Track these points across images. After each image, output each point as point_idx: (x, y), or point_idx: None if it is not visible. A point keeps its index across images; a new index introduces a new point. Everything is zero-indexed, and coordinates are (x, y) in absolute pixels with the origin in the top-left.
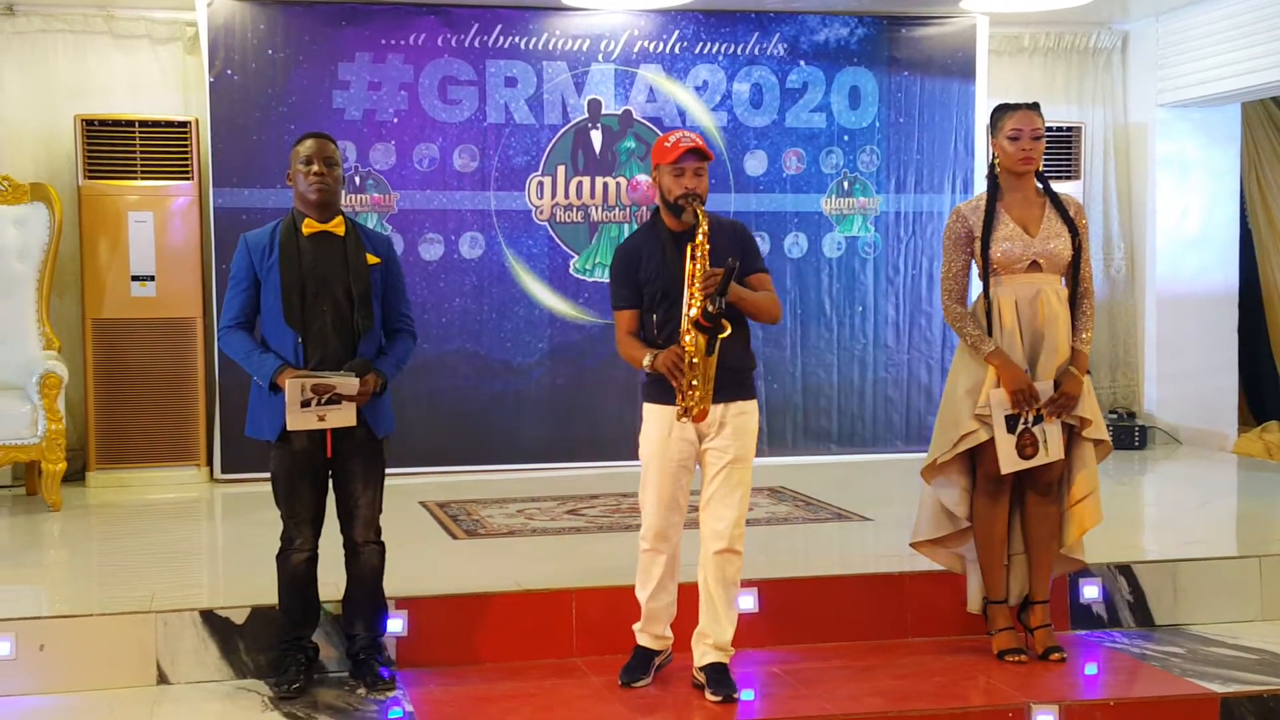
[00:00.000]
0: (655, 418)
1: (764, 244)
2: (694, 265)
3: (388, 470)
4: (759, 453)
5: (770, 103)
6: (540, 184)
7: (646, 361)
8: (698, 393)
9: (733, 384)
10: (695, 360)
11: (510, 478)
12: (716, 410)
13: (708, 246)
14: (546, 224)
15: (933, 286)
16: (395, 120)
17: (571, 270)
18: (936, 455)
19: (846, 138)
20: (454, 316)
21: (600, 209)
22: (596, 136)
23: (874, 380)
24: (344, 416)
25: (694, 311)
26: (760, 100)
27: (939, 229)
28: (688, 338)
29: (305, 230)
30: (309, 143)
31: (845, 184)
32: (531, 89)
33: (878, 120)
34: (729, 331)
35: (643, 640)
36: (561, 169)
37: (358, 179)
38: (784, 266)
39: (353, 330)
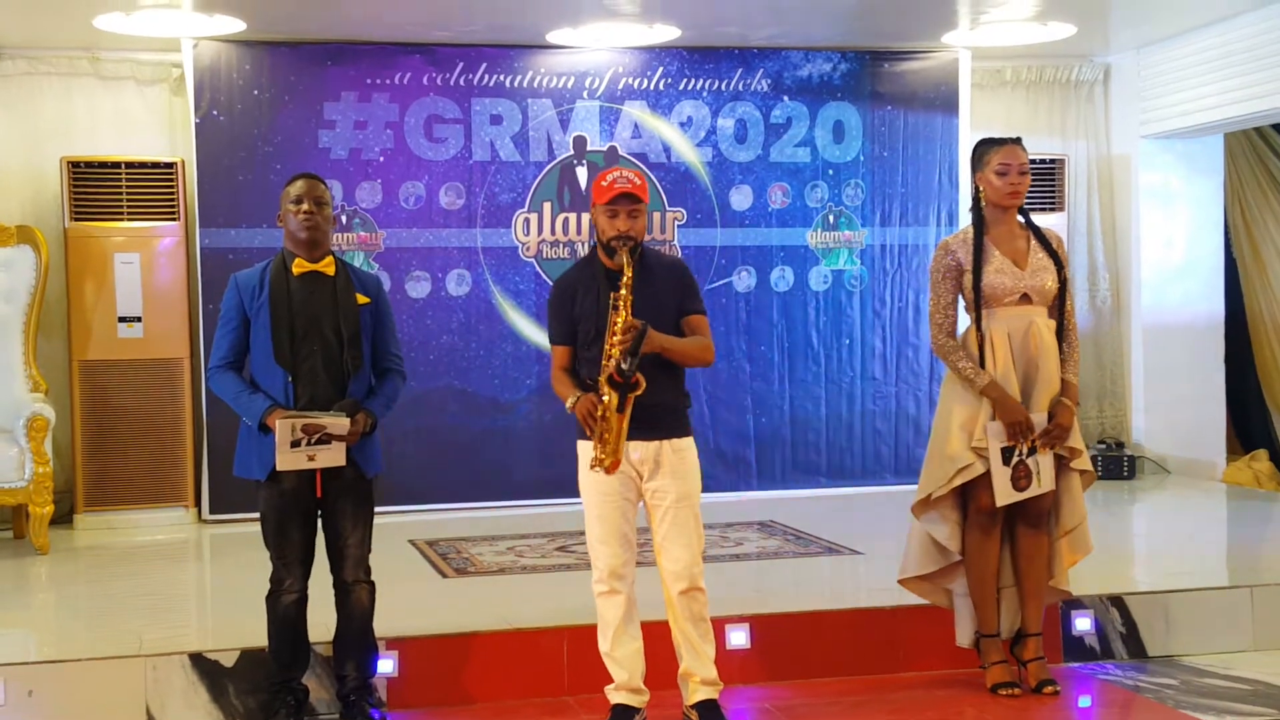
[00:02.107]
0: (587, 454)
1: (750, 278)
2: (614, 315)
3: (377, 509)
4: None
5: (755, 137)
6: (526, 220)
7: (569, 404)
8: (609, 446)
9: (665, 422)
10: (609, 414)
11: (500, 515)
12: (650, 449)
13: (630, 298)
14: (533, 260)
15: (919, 319)
16: (381, 159)
17: None
18: (930, 490)
19: (831, 172)
20: (441, 354)
21: (587, 245)
22: (582, 173)
23: (862, 413)
24: (333, 456)
25: (610, 364)
26: (745, 135)
27: (925, 261)
28: (605, 390)
29: (295, 270)
30: (299, 183)
31: (830, 218)
32: (517, 126)
33: (862, 154)
34: (641, 389)
35: (617, 699)
36: (548, 205)
37: (344, 217)
38: (770, 300)
39: (342, 370)
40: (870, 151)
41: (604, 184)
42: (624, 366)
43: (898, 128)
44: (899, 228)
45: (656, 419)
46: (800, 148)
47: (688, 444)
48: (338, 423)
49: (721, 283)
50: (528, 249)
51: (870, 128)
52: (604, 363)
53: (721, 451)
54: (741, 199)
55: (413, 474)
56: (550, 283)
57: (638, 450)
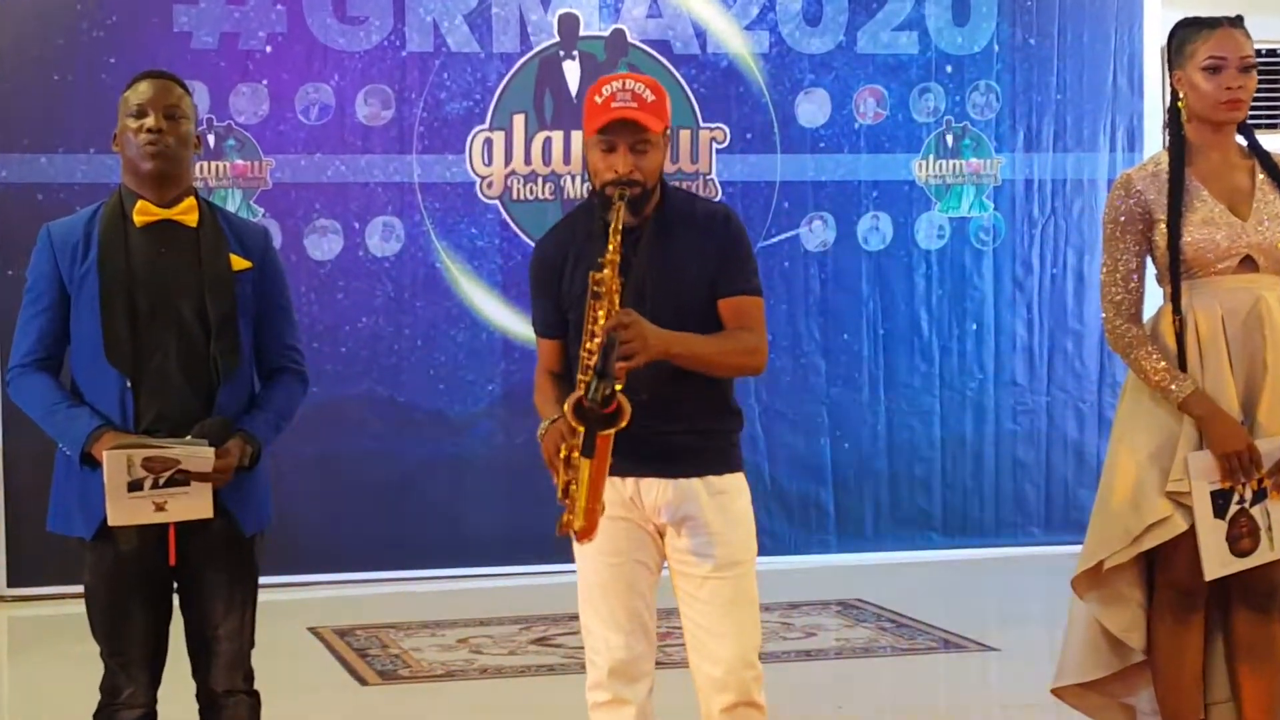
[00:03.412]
0: None
1: (826, 230)
2: (593, 306)
3: (262, 581)
4: (779, 547)
5: (834, 17)
6: (488, 143)
7: (540, 430)
8: (576, 502)
9: (698, 451)
10: (575, 455)
11: (446, 589)
12: (675, 491)
13: (618, 280)
14: (498, 202)
15: (1085, 293)
16: (268, 49)
17: None
18: (1102, 556)
19: (950, 69)
20: (360, 345)
21: (579, 180)
22: (572, 70)
23: (997, 436)
24: (194, 505)
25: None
26: (819, 13)
27: (1093, 206)
28: (572, 423)
29: (138, 218)
30: (144, 87)
31: (949, 139)
32: (473, 0)
33: (996, 42)
34: (624, 422)
35: None
36: (520, 120)
37: (213, 138)
38: (857, 264)
39: (208, 371)
40: (1009, 38)
41: (597, 100)
42: (587, 395)
43: (1051, 1)
44: (1052, 154)
45: (683, 448)
46: (903, 33)
47: (735, 483)
48: (198, 454)
49: (782, 237)
50: (489, 186)
51: (1010, 2)
52: (579, 379)
53: (783, 493)
54: (813, 111)
55: (316, 528)
56: (527, 240)
57: (655, 492)
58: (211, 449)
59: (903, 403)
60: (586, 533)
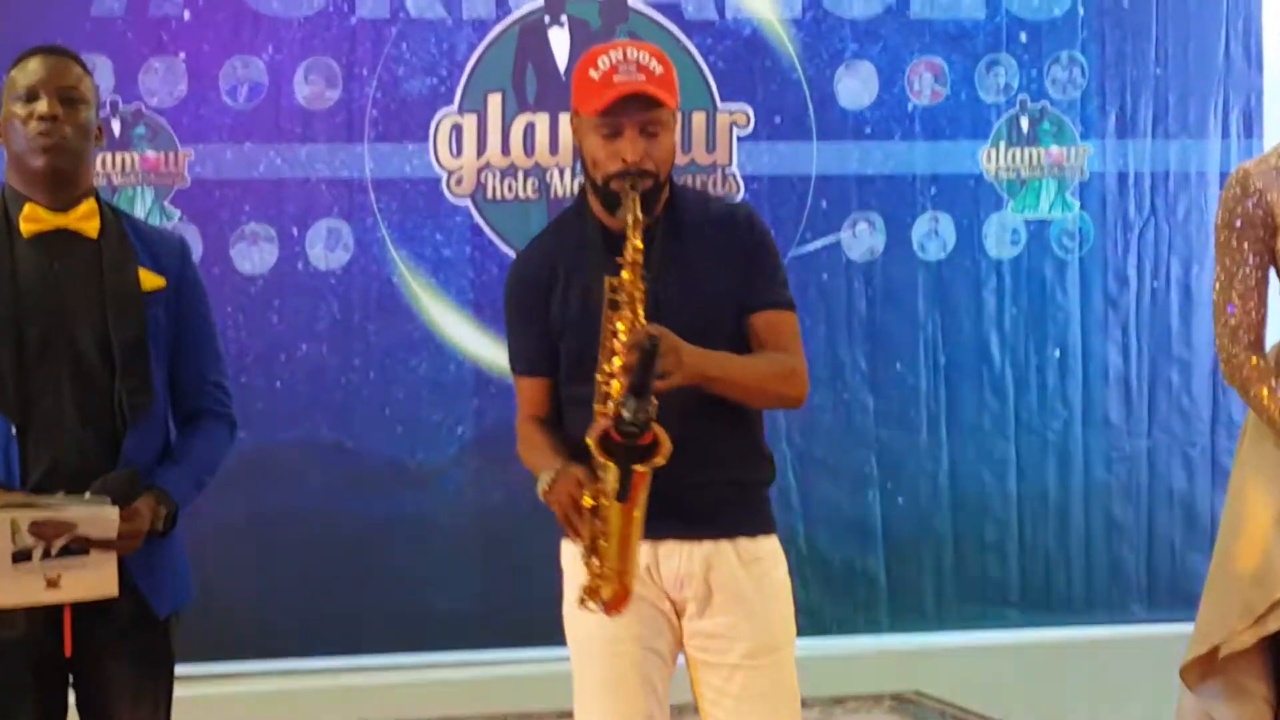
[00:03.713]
0: (578, 572)
1: (874, 235)
2: (611, 318)
3: (179, 674)
4: (821, 627)
5: None
6: (456, 129)
7: (541, 486)
8: (607, 563)
9: (729, 507)
10: (604, 503)
11: (406, 680)
12: (696, 556)
13: (642, 286)
14: (469, 202)
15: (1194, 312)
16: (186, 16)
17: None
18: (1217, 639)
19: (1024, 37)
20: (299, 378)
21: (569, 174)
22: (560, 40)
23: (1086, 489)
24: (94, 579)
25: (606, 411)
26: None
27: (1202, 205)
28: (599, 460)
29: (26, 227)
30: (33, 65)
31: (1024, 123)
32: None
33: (1081, 4)
34: (662, 458)
35: None
36: (495, 101)
37: (117, 125)
38: (913, 276)
39: (112, 413)
40: (1096, 0)
41: (594, 75)
42: (626, 415)
43: None
44: (1151, 141)
45: (712, 503)
46: None
47: (770, 548)
48: (101, 516)
49: (820, 244)
50: (459, 182)
51: None
52: (597, 409)
53: (823, 561)
54: (857, 88)
55: (246, 606)
56: (505, 249)
57: (677, 559)
58: (116, 509)
59: (969, 448)
60: (619, 602)
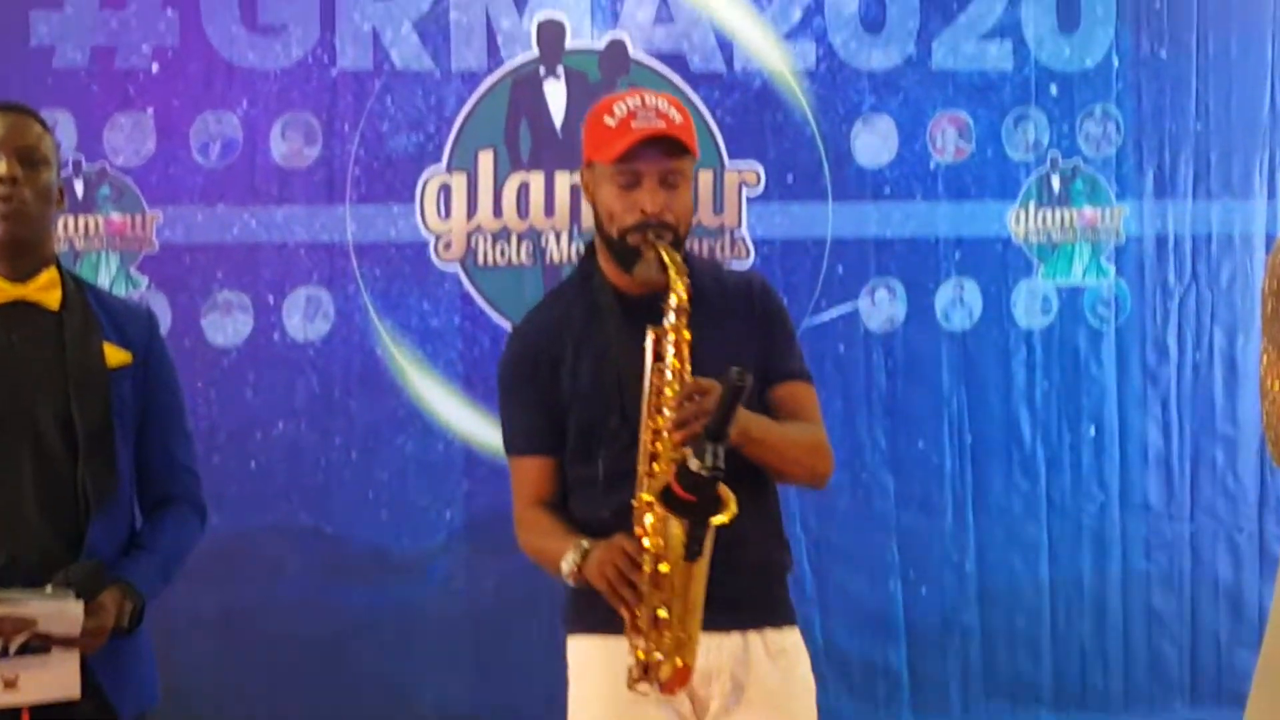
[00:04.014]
0: (598, 668)
1: (894, 304)
2: (660, 374)
3: None
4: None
5: (902, 21)
6: (445, 190)
7: (568, 565)
8: (667, 635)
9: (756, 595)
10: (664, 568)
11: None
12: (723, 651)
13: (688, 335)
14: (458, 268)
15: (1239, 386)
16: (155, 67)
17: None
18: None
19: (1055, 89)
20: (273, 459)
21: (566, 238)
22: (556, 93)
23: (1124, 577)
24: (55, 680)
25: (665, 469)
26: (881, 18)
27: (1248, 270)
28: (649, 520)
29: None
30: None
31: (1055, 182)
32: (427, 1)
33: (1116, 54)
34: (730, 513)
35: None
36: (487, 159)
37: (80, 186)
38: (936, 347)
39: (75, 500)
40: (1132, 48)
41: (609, 121)
42: (706, 461)
43: (1185, 0)
44: (1191, 201)
45: (743, 590)
46: (993, 41)
47: (794, 641)
48: (63, 611)
49: (837, 313)
50: (447, 246)
51: (1131, 0)
52: (643, 470)
53: (841, 655)
54: (875, 144)
55: (218, 707)
56: (496, 318)
57: (706, 651)
58: (80, 604)
59: (998, 533)
60: (680, 680)
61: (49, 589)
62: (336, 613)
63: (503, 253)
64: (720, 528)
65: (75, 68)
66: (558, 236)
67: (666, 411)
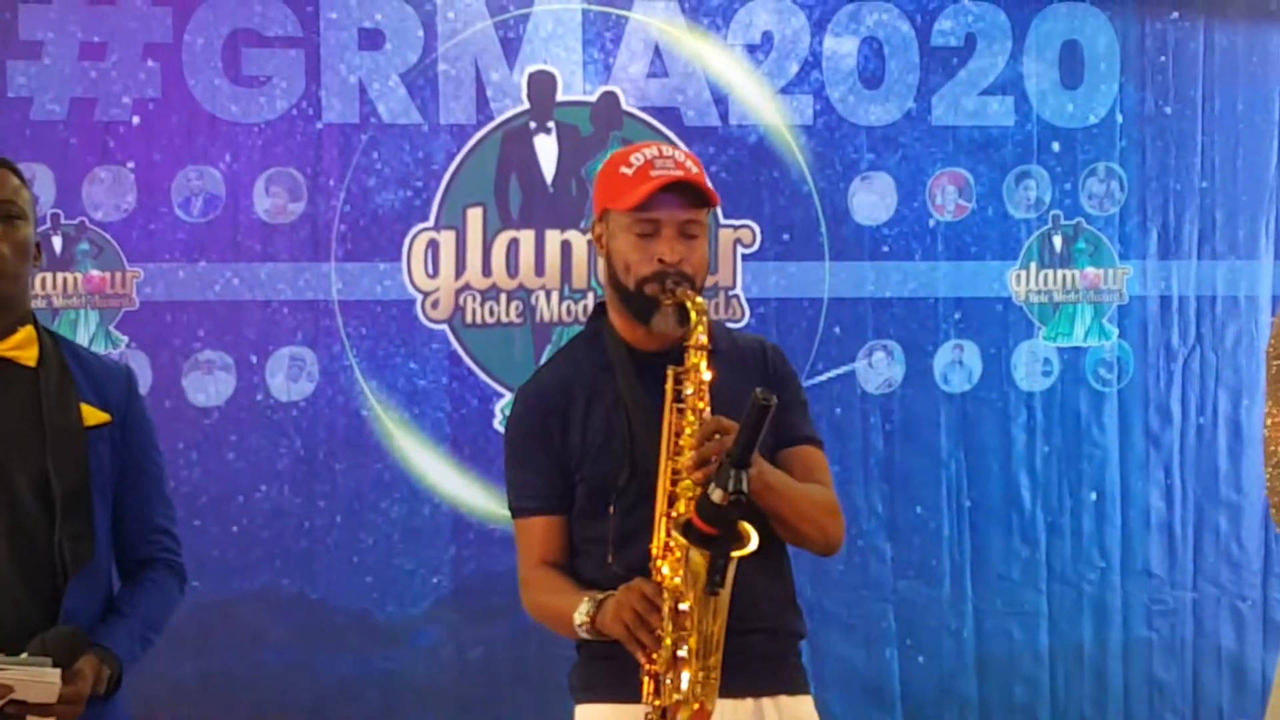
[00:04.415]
0: None
1: (891, 366)
2: (680, 413)
3: None
4: None
5: (901, 76)
6: (433, 246)
7: (581, 615)
8: (689, 671)
9: (773, 660)
10: (685, 606)
11: None
12: (740, 713)
13: (708, 376)
14: (446, 328)
15: (1244, 451)
16: (135, 120)
17: (499, 424)
18: None
19: (1057, 146)
20: (256, 523)
21: (558, 297)
22: (546, 148)
23: (1126, 647)
24: None
25: (684, 511)
26: (880, 73)
27: (1253, 332)
28: (664, 567)
29: None
30: None
31: (1057, 242)
32: (415, 53)
33: (1120, 110)
34: (752, 547)
35: None
36: (476, 216)
37: (58, 242)
38: (935, 410)
39: (51, 564)
40: (1136, 105)
41: (627, 171)
42: (729, 489)
43: (1192, 54)
44: (1196, 262)
45: (759, 655)
46: (994, 97)
47: (808, 710)
48: (39, 678)
49: (833, 374)
50: (435, 305)
51: (1136, 54)
52: (660, 510)
53: None
54: (873, 203)
55: None
56: (485, 379)
57: (722, 718)
58: (57, 671)
59: (997, 601)
60: None
61: (25, 656)
62: (320, 680)
63: (491, 311)
64: (733, 591)
65: (54, 120)
66: (547, 295)
67: (686, 451)
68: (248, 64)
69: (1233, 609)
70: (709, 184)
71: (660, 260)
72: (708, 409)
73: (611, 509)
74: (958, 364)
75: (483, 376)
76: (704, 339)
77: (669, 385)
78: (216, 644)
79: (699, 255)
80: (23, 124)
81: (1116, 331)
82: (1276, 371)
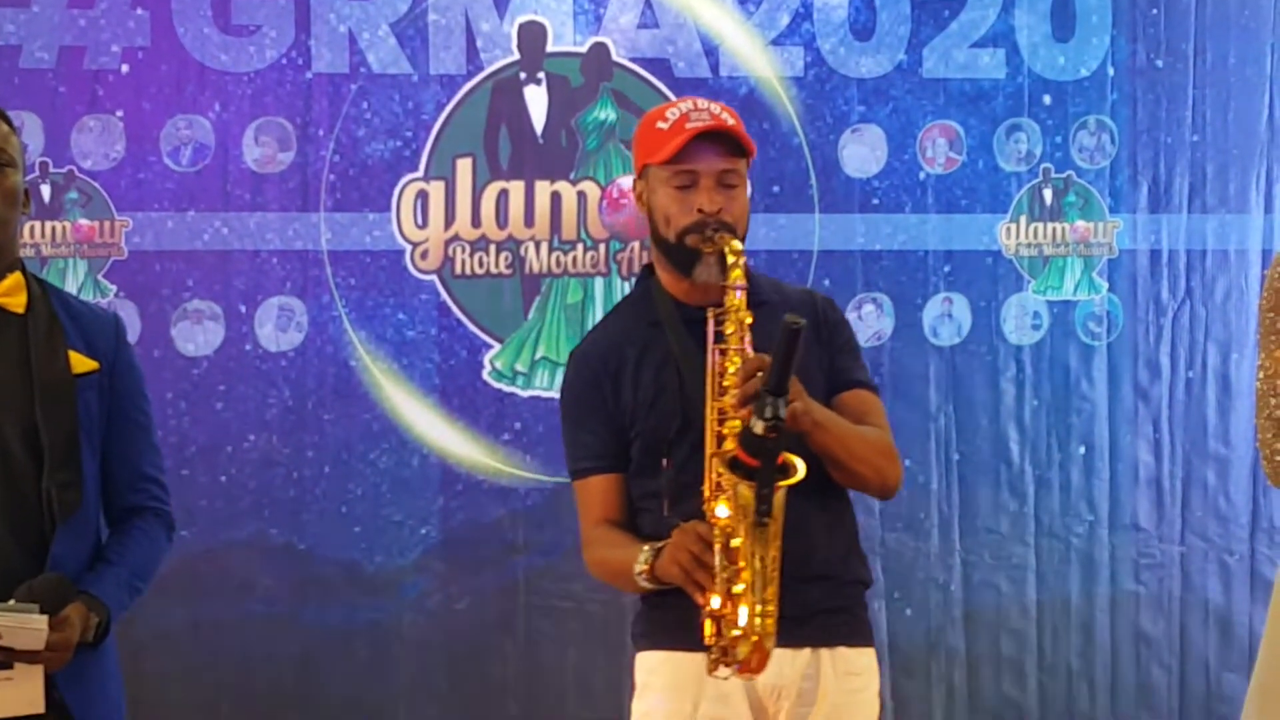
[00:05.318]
0: (665, 682)
1: (880, 319)
2: (723, 354)
3: None
4: None
5: (892, 28)
6: (422, 197)
7: (640, 564)
8: (745, 605)
9: (831, 611)
10: (737, 542)
11: None
12: (791, 668)
13: (749, 319)
14: (435, 278)
15: (1233, 405)
16: (125, 68)
17: (488, 375)
18: None
19: (1048, 99)
20: (244, 473)
21: (547, 248)
22: (537, 99)
23: (1112, 599)
24: (18, 696)
25: (730, 442)
26: (872, 24)
27: (1243, 286)
28: (719, 507)
29: None
30: None
31: (1048, 195)
32: (405, 3)
33: (1111, 63)
34: (801, 473)
35: None
36: (466, 167)
37: (47, 190)
38: (923, 364)
39: (39, 512)
40: (1128, 58)
41: (663, 124)
42: (767, 416)
43: (1183, 8)
44: (1187, 215)
45: (815, 604)
46: (985, 50)
47: (868, 663)
48: (26, 624)
49: None
50: (424, 255)
51: (1127, 8)
52: (709, 451)
53: None
54: (864, 155)
55: None
56: (474, 330)
57: (774, 668)
58: (44, 618)
59: (985, 554)
60: (762, 659)
61: (12, 602)
62: (308, 630)
63: (480, 262)
64: (788, 539)
65: (42, 68)
66: (537, 246)
67: (730, 392)
68: (237, 13)
69: (1220, 563)
70: (744, 133)
71: (700, 210)
72: (749, 348)
73: (665, 462)
74: (947, 317)
75: (471, 327)
76: (742, 279)
77: (710, 327)
78: (204, 593)
79: (739, 205)
80: (11, 72)
81: (1106, 285)
82: (1268, 324)
